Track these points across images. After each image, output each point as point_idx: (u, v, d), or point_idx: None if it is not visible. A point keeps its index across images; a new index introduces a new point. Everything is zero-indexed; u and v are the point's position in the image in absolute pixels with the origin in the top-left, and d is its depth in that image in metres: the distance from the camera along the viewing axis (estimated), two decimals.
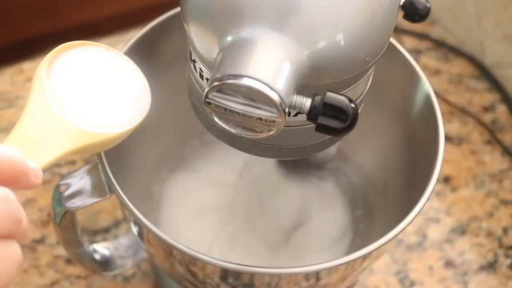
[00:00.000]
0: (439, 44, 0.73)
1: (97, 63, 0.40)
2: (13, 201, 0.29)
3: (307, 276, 0.41)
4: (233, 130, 0.35)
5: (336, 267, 0.41)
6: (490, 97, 0.69)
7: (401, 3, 0.39)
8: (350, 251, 0.54)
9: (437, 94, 0.47)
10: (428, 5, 0.40)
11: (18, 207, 0.30)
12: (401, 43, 0.71)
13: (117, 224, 0.58)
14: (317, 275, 0.41)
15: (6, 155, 0.30)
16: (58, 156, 0.36)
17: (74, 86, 0.38)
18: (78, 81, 0.38)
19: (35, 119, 0.36)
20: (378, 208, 0.54)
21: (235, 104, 0.33)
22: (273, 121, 0.33)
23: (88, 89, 0.39)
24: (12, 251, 0.29)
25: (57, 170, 0.61)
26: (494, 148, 0.65)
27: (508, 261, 0.59)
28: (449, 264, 0.58)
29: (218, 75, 0.33)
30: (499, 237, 0.60)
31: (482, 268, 0.58)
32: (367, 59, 0.36)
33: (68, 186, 0.42)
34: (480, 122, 0.67)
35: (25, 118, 0.36)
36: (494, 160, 0.65)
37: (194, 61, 0.39)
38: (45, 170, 0.34)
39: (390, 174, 0.53)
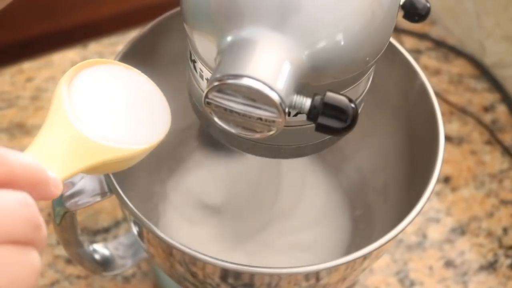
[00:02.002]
0: (439, 44, 0.73)
1: (117, 81, 0.40)
2: (33, 206, 0.29)
3: (307, 276, 0.41)
4: (233, 130, 0.35)
5: (336, 267, 0.41)
6: (490, 97, 0.69)
7: (401, 3, 0.39)
8: (350, 251, 0.54)
9: (437, 94, 0.47)
10: (428, 5, 0.40)
11: (38, 214, 0.29)
12: (401, 43, 0.71)
13: (117, 224, 0.58)
14: (317, 275, 0.41)
15: (26, 161, 0.30)
16: (77, 170, 0.36)
17: (94, 103, 0.38)
18: (98, 98, 0.38)
19: (55, 133, 0.36)
20: (378, 208, 0.54)
21: (235, 104, 0.33)
22: (273, 121, 0.33)
23: (108, 106, 0.39)
24: (31, 258, 0.29)
25: None
26: (494, 148, 0.65)
27: (508, 261, 0.59)
28: (449, 264, 0.58)
29: (218, 75, 0.33)
30: (499, 237, 0.60)
31: (482, 268, 0.58)
32: (367, 59, 0.36)
33: (68, 186, 0.42)
34: (480, 122, 0.67)
35: (45, 132, 0.36)
36: (494, 160, 0.65)
37: (194, 61, 0.39)
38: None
39: (390, 174, 0.53)
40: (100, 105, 0.38)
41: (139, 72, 0.41)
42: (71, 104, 0.37)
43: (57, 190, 0.32)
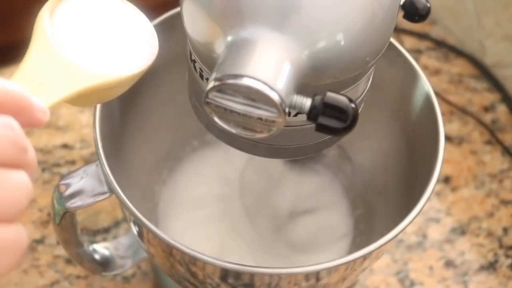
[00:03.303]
0: (439, 44, 0.73)
1: (100, 8, 0.39)
2: (18, 129, 0.29)
3: (307, 276, 0.41)
4: (233, 130, 0.35)
5: (336, 267, 0.41)
6: (490, 97, 0.69)
7: (401, 3, 0.39)
8: (350, 251, 0.54)
9: (437, 94, 0.47)
10: (428, 5, 0.40)
11: (23, 136, 0.29)
12: (401, 43, 0.71)
13: (117, 224, 0.58)
14: (317, 275, 0.41)
15: (11, 88, 0.29)
16: (63, 97, 0.35)
17: (78, 31, 0.38)
18: (81, 26, 0.38)
19: (38, 61, 0.35)
20: (378, 208, 0.54)
21: (235, 104, 0.33)
22: (273, 121, 0.33)
23: (92, 34, 0.38)
24: (20, 180, 0.29)
25: (57, 170, 0.61)
26: (494, 148, 0.65)
27: (508, 261, 0.59)
28: (449, 264, 0.58)
29: (218, 75, 0.33)
30: (499, 237, 0.60)
31: (482, 268, 0.58)
32: (367, 59, 0.36)
33: (68, 186, 0.42)
34: (480, 122, 0.67)
35: (28, 60, 0.35)
36: (494, 160, 0.65)
37: (194, 61, 0.39)
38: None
39: (390, 174, 0.53)
40: (84, 32, 0.38)
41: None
42: (54, 32, 0.37)
43: (44, 116, 0.31)
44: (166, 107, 0.53)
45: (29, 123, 0.30)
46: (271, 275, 0.40)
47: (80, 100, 0.36)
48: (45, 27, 0.36)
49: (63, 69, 0.36)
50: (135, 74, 0.38)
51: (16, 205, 0.28)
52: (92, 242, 0.54)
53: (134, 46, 0.39)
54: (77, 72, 0.36)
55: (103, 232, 0.58)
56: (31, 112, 0.30)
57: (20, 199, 0.28)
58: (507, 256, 0.59)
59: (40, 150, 0.62)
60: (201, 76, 0.38)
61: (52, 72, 0.35)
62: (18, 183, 0.29)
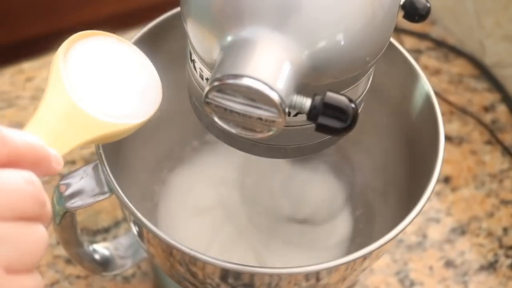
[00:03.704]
0: (439, 44, 0.73)
1: (110, 53, 0.40)
2: (38, 184, 0.30)
3: (307, 276, 0.41)
4: (233, 130, 0.35)
5: (336, 267, 0.41)
6: (490, 97, 0.69)
7: (401, 3, 0.39)
8: (350, 251, 0.54)
9: (437, 94, 0.47)
10: (428, 5, 0.40)
11: (42, 191, 0.30)
12: (401, 43, 0.71)
13: (117, 224, 0.58)
14: (317, 275, 0.41)
15: (29, 140, 0.31)
16: (76, 145, 0.36)
17: (89, 76, 0.38)
18: (93, 71, 0.39)
19: (54, 108, 0.36)
20: (378, 208, 0.54)
21: (235, 104, 0.33)
22: (273, 121, 0.33)
23: (102, 79, 0.39)
24: (39, 232, 0.30)
25: None
26: (494, 148, 0.65)
27: (508, 261, 0.59)
28: (449, 264, 0.58)
29: (218, 75, 0.33)
30: (499, 237, 0.60)
31: (482, 268, 0.58)
32: (367, 59, 0.36)
33: (68, 186, 0.42)
34: (480, 122, 0.67)
35: (44, 107, 0.36)
36: (494, 160, 0.65)
37: (194, 61, 0.39)
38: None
39: (390, 174, 0.53)
40: (95, 78, 0.38)
41: (131, 44, 0.41)
42: (68, 78, 0.37)
43: (59, 166, 0.33)
44: (166, 107, 0.53)
45: (45, 173, 0.32)
46: (271, 275, 0.40)
47: (90, 143, 0.38)
48: (61, 70, 0.37)
49: (78, 117, 0.36)
50: (142, 122, 0.39)
51: (35, 257, 0.30)
52: (92, 242, 0.54)
53: (141, 93, 0.40)
54: (91, 121, 0.37)
55: (103, 232, 0.58)
56: (48, 163, 0.32)
57: (39, 251, 0.30)
58: (507, 256, 0.59)
59: None
60: (201, 76, 0.38)
61: (67, 120, 0.36)
62: (38, 236, 0.30)
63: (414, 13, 0.40)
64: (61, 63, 0.37)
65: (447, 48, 0.72)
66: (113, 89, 0.39)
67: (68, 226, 0.45)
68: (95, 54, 0.39)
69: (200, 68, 0.38)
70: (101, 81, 0.39)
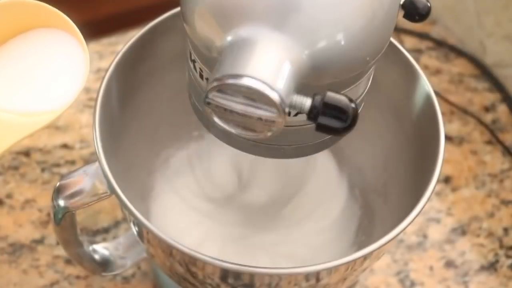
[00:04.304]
0: (439, 44, 0.73)
1: (29, 44, 0.39)
2: None
3: (307, 276, 0.41)
4: (233, 130, 0.35)
5: (336, 267, 0.40)
6: (491, 97, 0.69)
7: (401, 3, 0.39)
8: (350, 251, 0.54)
9: (438, 94, 0.47)
10: (428, 4, 0.40)
11: None
12: (401, 42, 0.71)
13: (116, 224, 0.58)
14: (317, 275, 0.41)
15: None
16: (3, 152, 0.35)
17: (5, 73, 0.37)
18: (8, 67, 0.38)
19: None
20: (378, 208, 0.54)
21: (235, 104, 0.33)
22: (273, 121, 0.33)
23: (16, 73, 0.38)
24: None
25: (57, 170, 0.60)
26: (495, 148, 0.65)
27: (509, 262, 0.59)
28: (449, 264, 0.58)
29: (218, 75, 0.33)
30: (500, 237, 0.60)
31: (483, 268, 0.58)
32: (368, 58, 0.36)
33: (67, 186, 0.42)
34: (480, 122, 0.67)
35: None
36: (495, 160, 0.65)
37: (194, 61, 0.39)
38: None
39: (390, 174, 0.53)
40: (12, 74, 0.37)
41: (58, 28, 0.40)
42: None
43: None
44: (166, 107, 0.53)
45: None
46: (271, 275, 0.40)
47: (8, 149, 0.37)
48: None
49: (1, 122, 0.35)
50: (65, 108, 0.38)
51: None
52: (92, 242, 0.54)
53: (63, 79, 0.39)
54: (15, 123, 0.36)
55: (103, 232, 0.58)
56: None
57: None
58: (508, 257, 0.59)
59: (39, 150, 0.61)
60: (201, 76, 0.38)
61: None
62: None
63: (414, 12, 0.40)
64: None
65: (447, 48, 0.72)
66: (32, 82, 0.38)
67: (67, 226, 0.44)
68: (14, 49, 0.38)
69: (200, 68, 0.38)
70: (18, 76, 0.38)
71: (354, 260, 0.40)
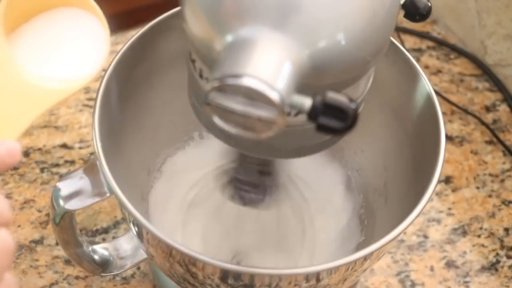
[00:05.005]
0: (440, 43, 0.72)
1: (53, 20, 0.41)
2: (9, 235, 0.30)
3: (307, 276, 0.41)
4: (233, 130, 0.35)
5: (336, 268, 0.40)
6: (492, 97, 0.69)
7: (402, 2, 0.39)
8: (350, 251, 0.54)
9: (439, 94, 0.47)
10: (429, 4, 0.40)
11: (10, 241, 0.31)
12: (402, 42, 0.71)
13: (116, 224, 0.58)
14: (317, 275, 0.41)
15: None
16: (31, 121, 0.37)
17: (35, 46, 0.39)
18: (38, 40, 0.39)
19: (3, 90, 0.36)
20: (378, 208, 0.54)
21: (235, 104, 0.33)
22: (273, 121, 0.33)
23: (45, 45, 0.40)
24: (3, 238, 0.30)
25: (56, 170, 0.60)
26: (496, 148, 0.65)
27: (510, 262, 0.59)
28: (450, 264, 0.58)
29: (218, 75, 0.33)
30: (501, 237, 0.60)
31: (484, 269, 0.58)
32: (368, 58, 0.36)
33: (67, 186, 0.42)
34: (481, 122, 0.66)
35: None
36: (495, 160, 0.64)
37: (193, 61, 0.39)
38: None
39: (390, 174, 0.53)
40: (38, 45, 0.39)
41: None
42: (15, 55, 0.38)
43: (15, 158, 0.33)
44: (166, 107, 0.53)
45: (3, 169, 0.33)
46: (271, 276, 0.40)
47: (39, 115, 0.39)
48: (7, 52, 0.37)
49: (27, 93, 0.37)
50: (88, 81, 0.40)
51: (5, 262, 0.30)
52: (92, 242, 0.54)
53: (86, 52, 0.41)
54: (40, 93, 0.37)
55: (103, 233, 0.58)
56: (3, 160, 0.32)
57: (8, 256, 0.30)
58: (509, 257, 0.59)
59: (39, 150, 0.61)
60: (201, 76, 0.38)
61: (17, 99, 0.37)
62: (2, 243, 0.30)
63: (415, 12, 0.40)
64: (3, 42, 0.37)
65: (448, 48, 0.72)
66: (57, 53, 0.40)
67: (67, 226, 0.44)
68: (40, 24, 0.40)
69: (200, 68, 0.38)
70: (43, 47, 0.39)
71: (355, 261, 0.40)
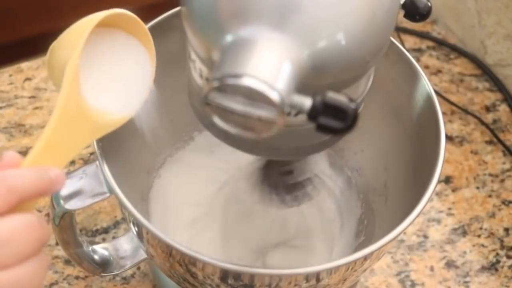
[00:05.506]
0: (440, 43, 0.72)
1: (112, 46, 0.40)
2: (37, 225, 0.33)
3: (307, 276, 0.41)
4: (233, 130, 0.35)
5: (336, 268, 0.40)
6: (492, 97, 0.69)
7: (401, 2, 0.39)
8: (350, 251, 0.54)
9: (439, 94, 0.47)
10: (429, 4, 0.40)
11: (42, 227, 0.33)
12: (402, 42, 0.71)
13: (116, 224, 0.58)
14: (317, 275, 0.41)
15: (32, 179, 0.33)
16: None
17: (94, 73, 0.39)
18: (96, 67, 0.39)
19: (68, 113, 0.36)
20: (378, 208, 0.54)
21: (235, 104, 0.33)
22: (273, 121, 0.33)
23: (105, 74, 0.39)
24: (42, 260, 0.33)
25: None
26: (496, 148, 0.65)
27: (510, 262, 0.59)
28: (450, 264, 0.58)
29: (218, 75, 0.33)
30: (501, 237, 0.60)
31: (484, 269, 0.58)
32: (368, 58, 0.36)
33: (67, 186, 0.42)
34: (481, 122, 0.66)
35: (60, 112, 0.36)
36: (495, 160, 0.64)
37: (193, 61, 0.39)
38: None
39: (390, 174, 0.53)
40: (99, 74, 0.39)
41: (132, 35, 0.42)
42: (80, 80, 0.37)
43: (60, 185, 0.35)
44: (166, 108, 0.53)
45: (48, 195, 0.36)
46: (271, 276, 0.40)
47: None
48: (78, 75, 0.37)
49: (88, 120, 0.37)
50: (135, 111, 0.41)
51: (40, 280, 0.33)
52: (91, 242, 0.53)
53: (134, 83, 0.41)
54: (100, 121, 0.38)
55: (103, 233, 0.58)
56: (50, 187, 0.35)
57: (43, 275, 0.33)
58: (509, 257, 0.59)
59: None
60: (201, 75, 0.38)
61: (79, 123, 0.37)
62: (42, 264, 0.33)
63: (415, 12, 0.40)
64: (78, 65, 0.37)
65: (448, 48, 0.72)
66: (113, 83, 0.39)
67: (67, 226, 0.44)
68: (98, 49, 0.39)
69: (200, 68, 0.38)
70: (103, 76, 0.39)
71: (355, 261, 0.40)
